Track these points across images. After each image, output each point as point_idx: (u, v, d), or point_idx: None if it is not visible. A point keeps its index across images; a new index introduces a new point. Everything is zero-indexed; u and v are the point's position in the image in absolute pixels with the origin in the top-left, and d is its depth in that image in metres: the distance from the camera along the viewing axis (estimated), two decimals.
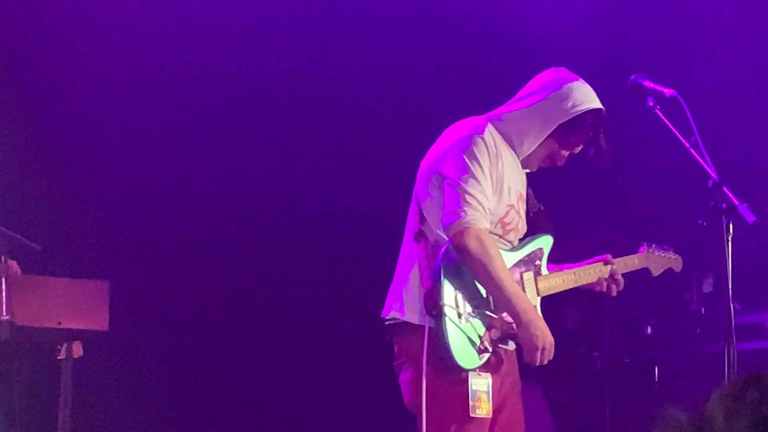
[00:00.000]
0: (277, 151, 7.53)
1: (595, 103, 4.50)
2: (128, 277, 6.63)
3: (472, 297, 4.36)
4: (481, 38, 7.46)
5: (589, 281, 4.73)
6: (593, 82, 4.60)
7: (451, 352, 4.28)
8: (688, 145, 4.58)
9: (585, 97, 4.49)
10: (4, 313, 5.16)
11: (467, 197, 4.32)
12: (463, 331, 4.31)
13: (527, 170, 4.66)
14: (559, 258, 4.76)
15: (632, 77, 4.74)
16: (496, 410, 4.50)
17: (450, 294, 4.31)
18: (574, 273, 4.69)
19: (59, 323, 5.39)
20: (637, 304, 7.25)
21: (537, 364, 4.41)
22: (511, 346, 4.49)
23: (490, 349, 4.38)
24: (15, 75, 6.80)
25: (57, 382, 5.52)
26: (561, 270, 4.69)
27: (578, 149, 4.57)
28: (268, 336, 7.51)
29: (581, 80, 4.55)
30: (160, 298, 7.18)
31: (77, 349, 5.61)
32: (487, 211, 4.36)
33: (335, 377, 7.55)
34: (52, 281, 5.50)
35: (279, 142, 7.54)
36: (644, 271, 5.03)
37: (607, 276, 4.74)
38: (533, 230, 4.67)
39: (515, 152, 4.53)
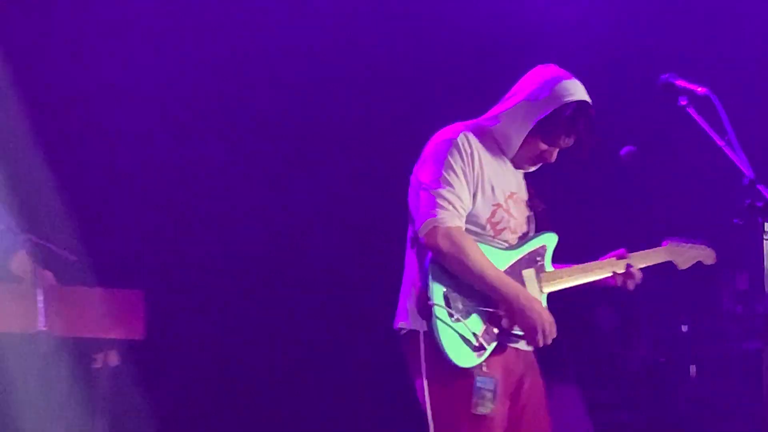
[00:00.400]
0: (310, 162, 7.54)
1: (575, 95, 4.46)
2: (164, 285, 6.66)
3: (465, 295, 4.34)
4: (497, 40, 7.43)
5: (601, 276, 4.69)
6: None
7: (445, 351, 4.26)
8: (721, 144, 4.55)
9: (564, 90, 4.47)
10: (41, 324, 5.19)
11: (438, 199, 4.36)
12: (455, 329, 4.29)
13: (522, 170, 4.65)
14: (593, 255, 4.74)
15: (663, 76, 4.70)
16: (518, 414, 4.48)
17: (439, 294, 4.30)
18: (584, 268, 4.66)
19: (95, 333, 5.43)
20: (673, 303, 7.22)
21: (540, 345, 4.39)
22: (524, 345, 4.49)
23: (488, 347, 4.36)
24: (51, 87, 6.83)
25: (94, 391, 5.55)
26: (569, 266, 4.67)
27: (565, 143, 4.54)
28: (306, 343, 7.51)
29: (565, 75, 4.52)
30: (196, 306, 7.20)
31: (114, 358, 5.65)
32: (461, 210, 4.37)
33: (369, 386, 7.55)
34: (88, 291, 5.54)
35: (310, 152, 7.55)
36: (683, 271, 4.98)
37: (622, 270, 4.70)
38: (537, 229, 4.66)
39: (504, 152, 4.55)
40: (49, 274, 5.49)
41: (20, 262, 5.65)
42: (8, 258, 5.76)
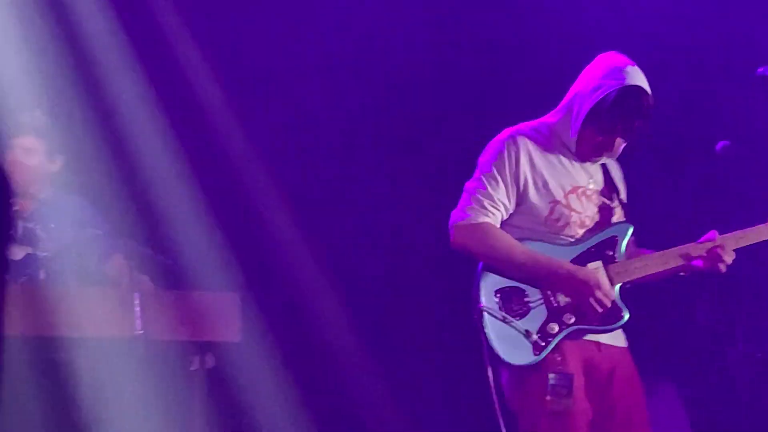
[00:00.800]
0: (406, 163, 7.51)
1: (623, 81, 4.41)
2: (259, 287, 6.68)
3: (517, 294, 4.39)
4: (590, 33, 7.35)
5: (682, 263, 4.62)
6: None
7: (498, 352, 4.34)
8: None
9: (611, 78, 4.44)
10: (138, 328, 5.24)
11: (470, 199, 4.45)
12: (507, 329, 4.35)
13: (593, 162, 4.60)
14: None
15: (760, 69, 4.65)
16: (608, 412, 4.44)
17: (488, 296, 4.37)
18: (663, 255, 4.59)
19: (192, 336, 5.47)
20: None
21: (600, 309, 4.37)
22: (607, 338, 4.45)
23: (548, 343, 4.35)
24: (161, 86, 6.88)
25: (190, 393, 5.59)
26: (645, 255, 4.60)
27: (617, 131, 4.49)
28: (407, 342, 7.47)
29: (620, 62, 4.49)
30: (290, 308, 7.20)
31: (210, 360, 5.69)
32: (489, 208, 4.42)
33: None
34: (184, 295, 5.58)
35: (407, 154, 7.51)
36: None
37: (704, 253, 4.61)
38: (610, 221, 4.62)
39: (567, 146, 4.54)
40: (145, 278, 5.55)
41: (117, 266, 5.72)
42: (105, 262, 5.83)
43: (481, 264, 4.41)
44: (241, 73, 7.26)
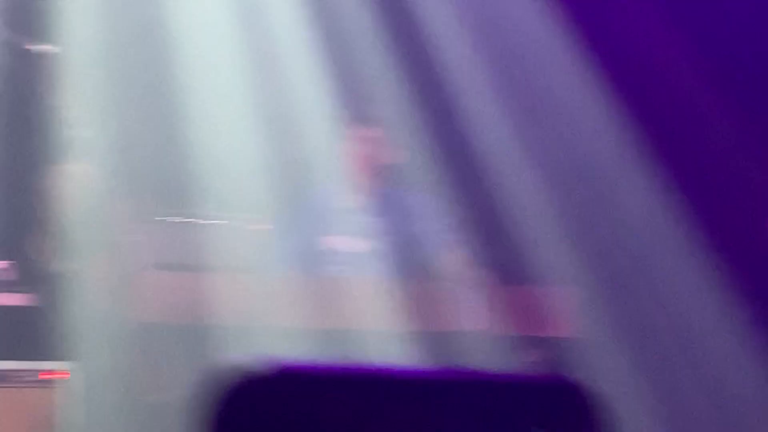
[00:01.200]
0: None
1: None
2: (592, 281, 6.56)
3: None
4: None
5: None
6: None
7: None
8: None
9: None
10: (475, 323, 5.26)
11: None
12: None
13: None
14: None
15: None
16: None
17: None
18: None
19: (528, 331, 5.45)
20: None
21: None
22: None
23: None
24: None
25: None
26: None
27: None
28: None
29: None
30: (621, 302, 7.03)
31: (541, 357, 5.64)
32: None
33: None
34: (521, 289, 5.57)
35: None
36: None
37: None
38: None
39: None
40: (484, 273, 5.56)
41: (454, 260, 5.74)
42: (444, 257, 5.86)
43: None
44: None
